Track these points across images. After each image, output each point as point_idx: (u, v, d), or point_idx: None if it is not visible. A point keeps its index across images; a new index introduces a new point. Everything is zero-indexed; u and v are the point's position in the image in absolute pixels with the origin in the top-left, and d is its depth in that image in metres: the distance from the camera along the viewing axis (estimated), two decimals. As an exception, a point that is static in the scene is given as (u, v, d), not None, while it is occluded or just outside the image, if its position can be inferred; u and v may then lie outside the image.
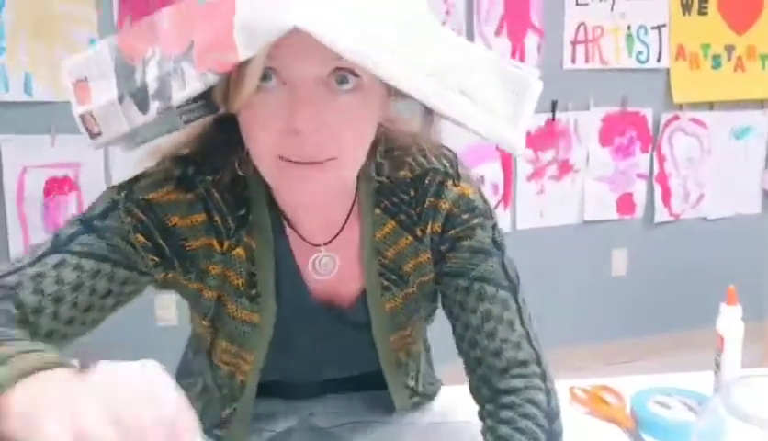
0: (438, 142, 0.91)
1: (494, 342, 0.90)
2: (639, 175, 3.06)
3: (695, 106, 3.04)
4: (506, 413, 0.88)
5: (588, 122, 2.94)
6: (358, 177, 0.88)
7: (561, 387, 1.25)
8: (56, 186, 2.47)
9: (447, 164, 0.92)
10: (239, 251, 0.88)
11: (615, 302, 3.14)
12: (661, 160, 3.06)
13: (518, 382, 0.89)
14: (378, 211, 0.91)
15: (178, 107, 0.74)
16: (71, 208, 2.49)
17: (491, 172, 2.85)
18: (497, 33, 2.77)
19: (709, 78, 3.02)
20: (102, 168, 2.47)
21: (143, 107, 0.73)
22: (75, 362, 0.62)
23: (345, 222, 0.90)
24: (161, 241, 0.84)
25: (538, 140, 2.91)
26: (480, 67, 0.76)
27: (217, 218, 0.86)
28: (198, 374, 1.05)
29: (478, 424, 0.95)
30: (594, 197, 3.02)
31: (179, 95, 0.71)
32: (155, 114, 0.72)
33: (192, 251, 0.86)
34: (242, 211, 0.87)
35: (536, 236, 2.94)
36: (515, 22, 2.78)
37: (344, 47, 0.65)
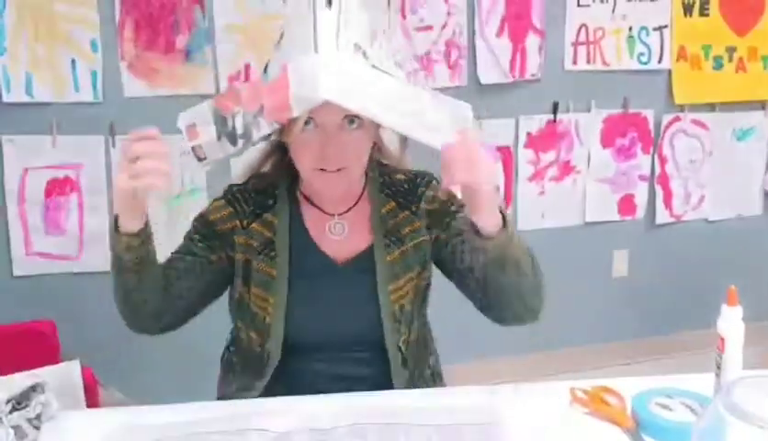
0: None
1: None
2: (641, 177, 3.05)
3: (697, 107, 3.03)
4: None
5: (589, 123, 2.94)
6: (368, 176, 1.40)
7: (562, 388, 1.25)
8: (57, 187, 2.47)
9: (430, 174, 1.43)
10: (256, 226, 1.36)
11: (616, 303, 3.14)
12: (663, 161, 3.06)
13: None
14: (382, 195, 1.40)
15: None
16: (72, 209, 2.48)
17: (492, 173, 2.84)
18: (498, 34, 2.77)
19: (711, 79, 3.01)
20: (103, 169, 2.47)
21: (234, 142, 1.21)
22: None
23: (357, 202, 1.38)
24: (206, 233, 1.37)
25: (539, 141, 2.90)
26: (431, 105, 1.22)
27: (238, 208, 1.37)
28: (240, 335, 1.42)
29: (479, 425, 0.95)
30: (596, 199, 3.02)
31: (257, 135, 1.20)
32: (241, 146, 1.21)
33: (224, 231, 1.37)
34: (270, 202, 1.38)
35: (537, 237, 2.90)
36: (517, 23, 2.78)
37: (353, 107, 1.17)
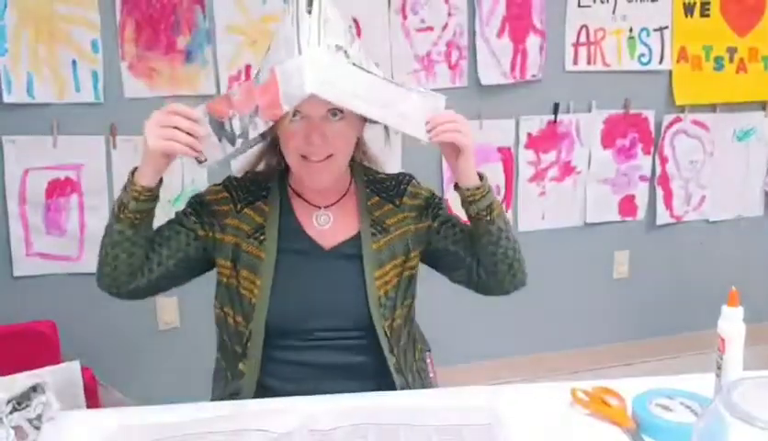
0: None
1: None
2: (641, 177, 3.05)
3: (698, 108, 3.04)
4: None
5: (590, 124, 2.94)
6: (354, 172, 1.50)
7: (563, 388, 1.26)
8: (58, 188, 2.47)
9: (409, 174, 1.56)
10: (248, 211, 1.44)
11: (617, 304, 3.14)
12: (663, 162, 3.06)
13: None
14: (368, 190, 1.49)
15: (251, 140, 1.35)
16: (72, 209, 2.49)
17: (492, 173, 2.84)
18: (499, 35, 2.77)
19: (711, 80, 3.01)
20: (104, 170, 2.47)
21: (233, 142, 1.32)
22: None
23: (344, 195, 1.47)
24: (199, 210, 1.45)
25: (540, 141, 2.90)
26: (408, 97, 1.32)
27: (233, 194, 1.46)
28: (227, 327, 1.46)
29: (477, 425, 0.95)
30: (596, 199, 3.02)
31: (253, 133, 1.31)
32: (240, 145, 1.32)
33: (217, 212, 1.44)
34: (264, 193, 1.46)
35: (538, 238, 2.94)
36: (517, 24, 2.78)
37: (336, 100, 1.27)
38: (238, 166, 1.53)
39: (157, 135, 1.27)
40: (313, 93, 1.22)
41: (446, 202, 1.55)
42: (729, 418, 0.79)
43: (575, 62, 2.88)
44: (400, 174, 1.55)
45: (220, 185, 1.48)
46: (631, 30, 2.90)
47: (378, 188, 1.50)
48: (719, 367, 1.14)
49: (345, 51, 1.29)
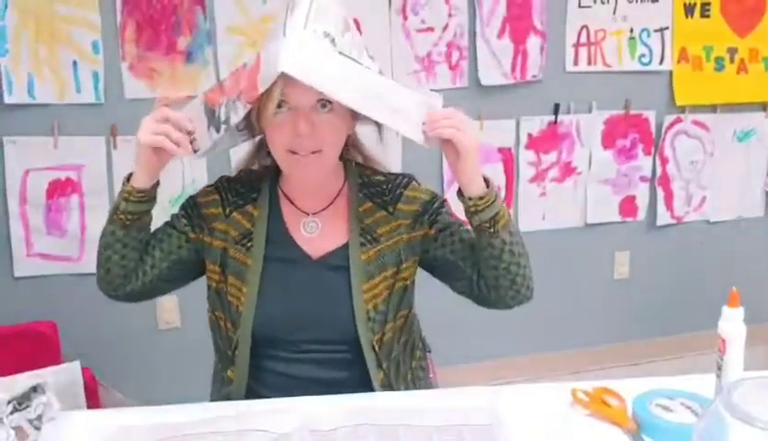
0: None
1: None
2: (642, 178, 3.05)
3: (698, 108, 3.03)
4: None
5: (590, 125, 2.94)
6: (348, 174, 1.43)
7: (563, 389, 1.25)
8: (59, 188, 2.47)
9: (410, 175, 1.47)
10: (237, 216, 1.40)
11: (618, 305, 3.14)
12: (664, 162, 3.06)
13: None
14: (360, 195, 1.41)
15: (238, 131, 1.36)
16: (73, 209, 2.49)
17: (493, 174, 2.82)
18: (499, 36, 2.77)
19: (712, 81, 3.01)
20: (104, 170, 2.47)
21: (218, 129, 1.28)
22: None
23: (334, 200, 1.41)
24: (190, 212, 1.42)
25: (541, 142, 2.90)
26: (400, 93, 1.27)
27: (224, 196, 1.42)
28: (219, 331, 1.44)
29: (478, 426, 0.95)
30: (597, 200, 3.02)
31: (234, 118, 1.26)
32: (222, 132, 1.28)
33: (207, 215, 1.41)
34: (255, 195, 1.41)
35: (539, 238, 2.93)
36: (518, 24, 2.78)
37: (313, 83, 1.19)
38: (235, 165, 1.50)
39: (149, 130, 1.26)
40: (286, 72, 1.16)
41: (448, 205, 1.45)
42: (730, 419, 0.79)
43: (576, 63, 2.88)
44: (399, 175, 1.46)
45: (212, 186, 1.45)
46: (632, 31, 2.90)
47: (372, 193, 1.42)
48: (720, 368, 1.14)
49: (333, 39, 1.22)
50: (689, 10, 2.94)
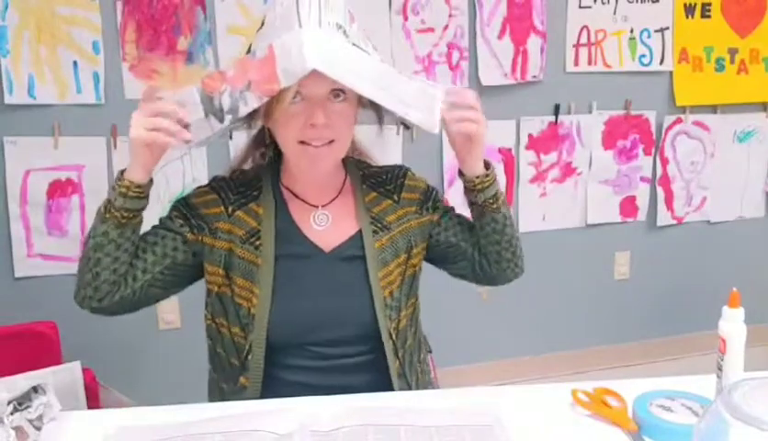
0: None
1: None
2: (642, 179, 3.05)
3: (698, 109, 3.04)
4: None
5: (591, 125, 2.94)
6: (348, 168, 1.45)
7: (564, 389, 1.25)
8: (59, 189, 2.47)
9: (403, 165, 1.51)
10: (241, 214, 1.36)
11: (618, 305, 3.14)
12: (665, 163, 3.06)
13: None
14: (364, 186, 1.44)
15: (237, 121, 1.28)
16: (73, 210, 2.49)
17: (493, 175, 2.85)
18: (500, 36, 2.77)
19: (712, 81, 3.01)
20: (105, 170, 2.47)
21: (221, 119, 1.24)
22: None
23: (340, 193, 1.42)
24: (186, 213, 1.37)
25: (541, 142, 2.90)
26: (404, 82, 1.28)
27: (223, 196, 1.38)
28: (221, 337, 1.40)
29: (478, 426, 0.95)
30: (597, 200, 3.02)
31: (244, 109, 1.23)
32: (228, 123, 1.24)
33: (206, 215, 1.36)
34: (255, 193, 1.38)
35: (539, 239, 2.94)
36: (518, 25, 2.78)
37: (337, 77, 1.20)
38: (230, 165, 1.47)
39: (140, 125, 1.22)
40: (316, 68, 1.16)
41: (439, 192, 1.52)
42: (730, 419, 0.78)
43: (576, 63, 2.88)
44: (394, 166, 1.49)
45: (206, 186, 1.40)
46: (632, 31, 2.90)
47: (374, 183, 1.44)
48: (720, 369, 1.14)
49: (345, 31, 1.23)
50: (689, 10, 2.94)
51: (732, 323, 1.13)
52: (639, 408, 1.17)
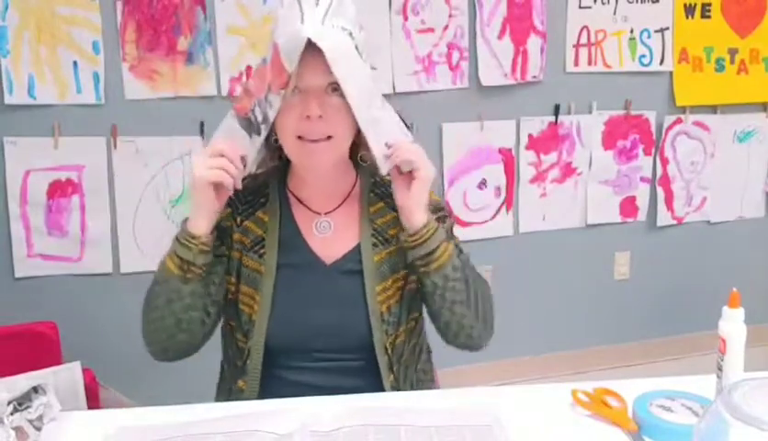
0: None
1: None
2: (642, 179, 3.05)
3: (698, 109, 3.04)
4: None
5: (591, 125, 2.94)
6: (360, 173, 1.42)
7: (564, 390, 1.25)
8: (59, 189, 2.47)
9: None
10: (248, 224, 1.38)
11: (618, 305, 3.14)
12: (665, 163, 3.06)
13: None
14: (372, 195, 1.41)
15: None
16: (73, 210, 2.49)
17: (493, 175, 2.85)
18: (500, 36, 2.77)
19: (712, 81, 3.01)
20: (105, 171, 2.47)
21: (258, 132, 1.28)
22: None
23: (345, 200, 1.39)
24: (218, 231, 1.34)
25: (541, 143, 2.90)
26: (385, 111, 1.32)
27: (233, 207, 1.39)
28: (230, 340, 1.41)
29: (477, 426, 0.95)
30: (597, 201, 3.02)
31: (272, 114, 1.25)
32: (264, 132, 1.27)
33: (225, 228, 1.37)
34: (263, 200, 1.39)
35: (539, 239, 2.94)
36: (518, 25, 2.78)
37: (329, 56, 1.18)
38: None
39: (204, 165, 1.24)
40: (309, 36, 1.17)
41: (451, 220, 1.45)
42: (730, 419, 0.79)
43: (576, 64, 2.88)
44: None
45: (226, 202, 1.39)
46: (632, 31, 2.90)
47: (383, 192, 1.41)
48: (720, 369, 1.14)
49: (351, 33, 1.23)
50: (689, 11, 2.94)
51: (732, 323, 1.13)
52: (639, 408, 1.16)
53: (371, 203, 1.40)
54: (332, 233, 1.38)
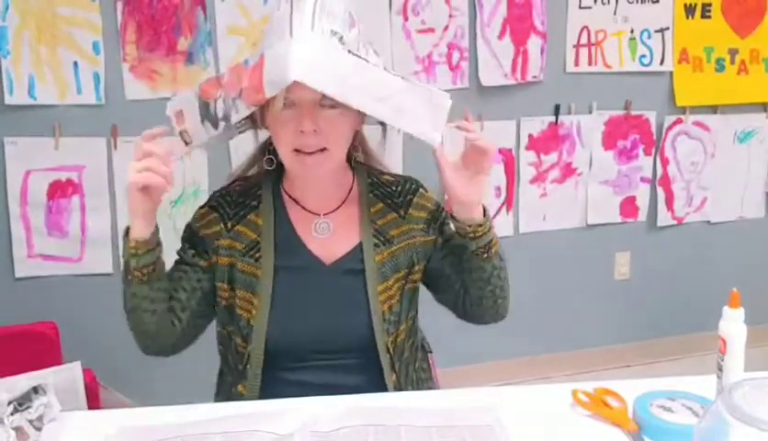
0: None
1: None
2: (643, 179, 3.05)
3: (699, 109, 3.03)
4: None
5: (591, 126, 2.94)
6: (357, 174, 1.42)
7: (564, 390, 1.25)
8: (59, 189, 2.47)
9: (417, 180, 1.47)
10: (240, 228, 1.36)
11: (618, 305, 3.14)
12: (665, 163, 3.06)
13: None
14: (371, 196, 1.41)
15: (235, 125, 1.29)
16: (74, 210, 2.49)
17: (493, 175, 2.85)
18: (500, 37, 2.77)
19: (713, 82, 3.01)
20: (105, 171, 2.47)
21: (215, 125, 1.26)
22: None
23: (344, 201, 1.39)
24: (193, 241, 1.38)
25: (541, 143, 2.90)
26: (407, 92, 1.24)
27: (221, 212, 1.37)
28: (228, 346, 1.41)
29: (477, 426, 0.95)
30: (598, 201, 3.02)
31: (235, 117, 1.25)
32: (221, 129, 1.26)
33: (207, 236, 1.37)
34: (255, 202, 1.38)
35: (539, 239, 2.94)
36: (518, 25, 2.78)
37: (324, 89, 1.19)
38: (233, 171, 1.46)
39: (134, 169, 1.21)
40: (297, 80, 1.16)
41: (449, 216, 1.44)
42: (730, 419, 0.79)
43: (576, 64, 2.88)
44: (407, 180, 1.46)
45: (205, 206, 1.41)
46: (632, 32, 2.90)
47: (382, 193, 1.41)
48: (720, 369, 1.14)
49: (341, 37, 1.21)
50: (690, 11, 2.94)
51: (732, 324, 1.13)
52: (640, 408, 1.16)
53: (371, 204, 1.40)
54: (330, 235, 1.38)
